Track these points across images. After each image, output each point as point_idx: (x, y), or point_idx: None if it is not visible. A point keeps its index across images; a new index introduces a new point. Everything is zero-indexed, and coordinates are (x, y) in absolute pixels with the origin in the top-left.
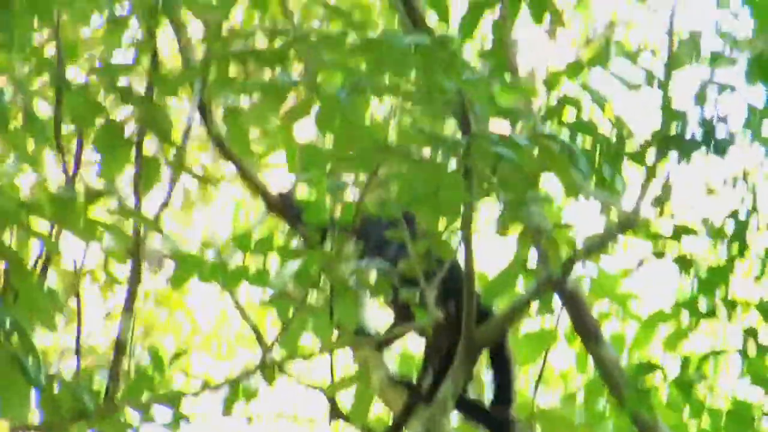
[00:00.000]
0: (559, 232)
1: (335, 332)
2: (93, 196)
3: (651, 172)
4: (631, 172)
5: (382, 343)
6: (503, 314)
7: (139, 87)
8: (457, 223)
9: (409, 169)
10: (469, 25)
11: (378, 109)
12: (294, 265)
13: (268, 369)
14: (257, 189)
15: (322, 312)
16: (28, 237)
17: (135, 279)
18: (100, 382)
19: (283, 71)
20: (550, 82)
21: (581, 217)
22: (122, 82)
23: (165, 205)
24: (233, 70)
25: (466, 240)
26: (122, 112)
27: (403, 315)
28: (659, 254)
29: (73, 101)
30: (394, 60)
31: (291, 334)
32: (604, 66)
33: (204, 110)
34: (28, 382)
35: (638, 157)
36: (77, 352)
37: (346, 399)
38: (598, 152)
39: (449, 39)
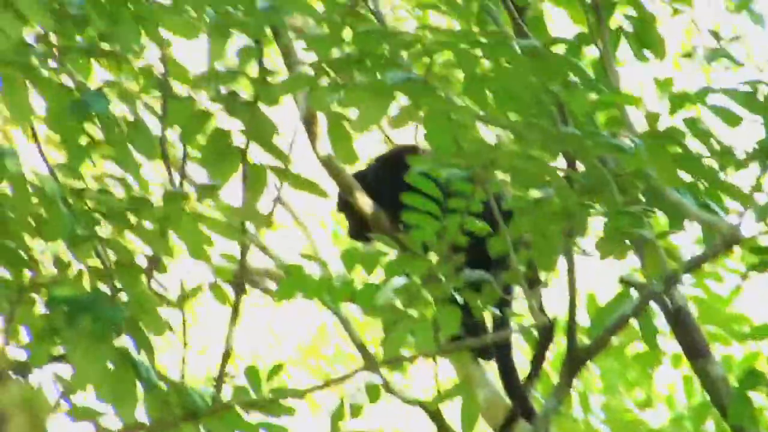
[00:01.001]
0: (662, 242)
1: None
2: (203, 194)
3: (756, 187)
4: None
5: (485, 351)
6: (603, 332)
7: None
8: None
9: (520, 166)
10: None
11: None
12: (400, 280)
13: (373, 386)
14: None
15: (424, 322)
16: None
17: (239, 289)
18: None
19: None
20: (674, 104)
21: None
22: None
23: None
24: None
25: (569, 250)
26: (228, 122)
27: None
28: (764, 268)
29: (178, 110)
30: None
31: (392, 343)
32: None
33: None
34: (139, 379)
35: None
36: (183, 357)
37: (451, 416)
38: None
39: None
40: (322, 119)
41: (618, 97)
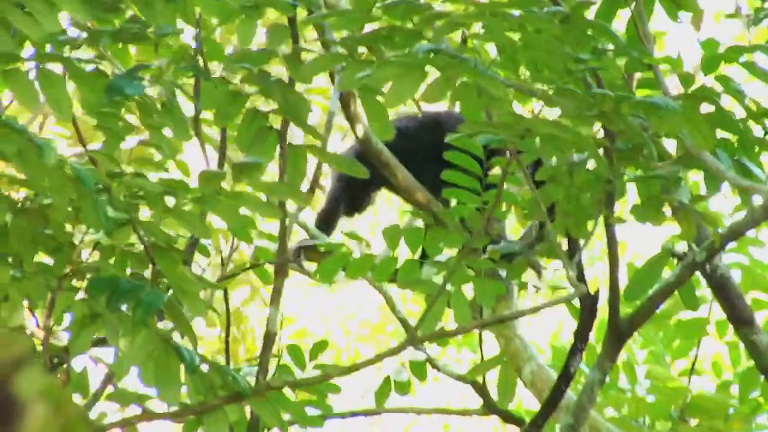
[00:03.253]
0: (699, 206)
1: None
2: (242, 174)
3: None
4: None
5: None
6: (646, 302)
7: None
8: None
9: (554, 135)
10: (603, 18)
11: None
12: (440, 256)
13: (418, 362)
14: (401, 186)
15: (461, 295)
16: (174, 222)
17: (282, 271)
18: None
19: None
20: (707, 64)
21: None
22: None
23: (310, 196)
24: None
25: (608, 220)
26: (263, 102)
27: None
28: None
29: (212, 92)
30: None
31: (432, 318)
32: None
33: (346, 107)
34: (182, 362)
35: None
36: (226, 339)
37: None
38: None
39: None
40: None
41: (659, 60)
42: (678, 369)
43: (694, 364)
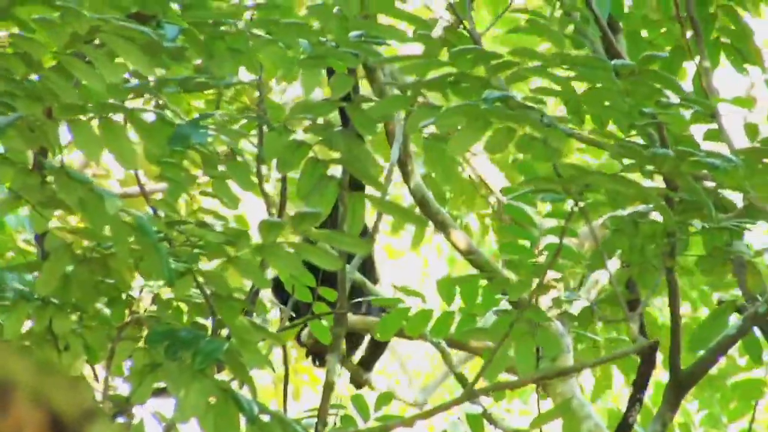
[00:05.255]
0: (760, 260)
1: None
2: (301, 223)
3: None
4: None
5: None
6: (707, 353)
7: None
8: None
9: (615, 190)
10: (668, 70)
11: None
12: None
13: (474, 416)
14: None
15: (524, 342)
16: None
17: (341, 321)
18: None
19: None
20: None
21: None
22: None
23: (369, 245)
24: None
25: (670, 274)
26: (325, 152)
27: None
28: None
29: (274, 141)
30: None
31: (493, 369)
32: None
33: (403, 165)
34: (241, 412)
35: None
36: (285, 388)
37: None
38: None
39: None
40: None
41: (732, 101)
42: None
43: (751, 425)
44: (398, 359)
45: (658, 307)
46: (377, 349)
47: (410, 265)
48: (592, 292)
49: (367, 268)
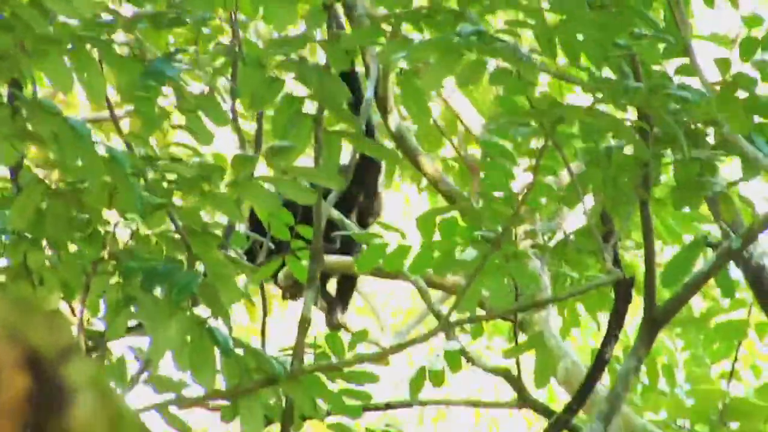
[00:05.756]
0: (733, 191)
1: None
2: (276, 157)
3: None
4: None
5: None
6: (682, 290)
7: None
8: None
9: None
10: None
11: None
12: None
13: (452, 353)
14: (433, 178)
15: (498, 275)
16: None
17: (316, 257)
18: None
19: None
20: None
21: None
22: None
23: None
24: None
25: (644, 207)
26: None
27: None
28: None
29: (249, 78)
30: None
31: (468, 301)
32: None
33: (383, 101)
34: (216, 346)
35: None
36: (263, 325)
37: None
38: None
39: None
40: (392, 93)
41: (705, 37)
42: (718, 372)
43: (733, 366)
44: (372, 304)
45: (633, 249)
46: (348, 289)
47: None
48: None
49: (370, 201)
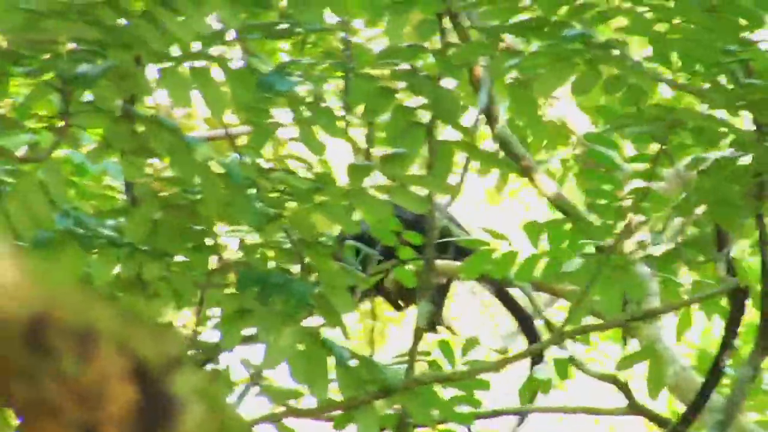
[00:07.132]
0: None
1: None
2: (387, 166)
3: None
4: None
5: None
6: None
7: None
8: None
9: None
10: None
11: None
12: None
13: (561, 360)
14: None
15: (609, 286)
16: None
17: (429, 266)
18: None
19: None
20: None
21: None
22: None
23: (456, 192)
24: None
25: (759, 218)
26: (412, 99)
27: None
28: None
29: (361, 88)
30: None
31: (578, 313)
32: None
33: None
34: (331, 356)
35: None
36: (370, 334)
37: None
38: None
39: None
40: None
41: None
42: None
43: None
44: (480, 306)
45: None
46: (443, 294)
47: (510, 211)
48: (678, 238)
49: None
